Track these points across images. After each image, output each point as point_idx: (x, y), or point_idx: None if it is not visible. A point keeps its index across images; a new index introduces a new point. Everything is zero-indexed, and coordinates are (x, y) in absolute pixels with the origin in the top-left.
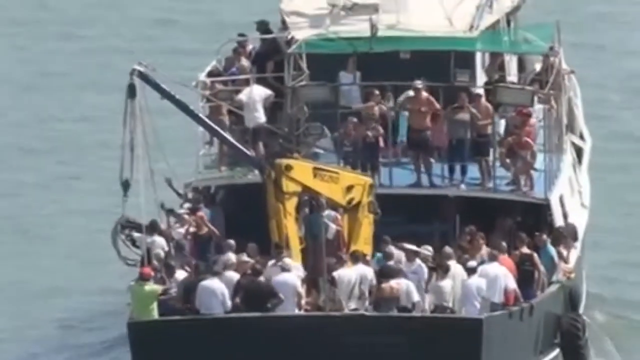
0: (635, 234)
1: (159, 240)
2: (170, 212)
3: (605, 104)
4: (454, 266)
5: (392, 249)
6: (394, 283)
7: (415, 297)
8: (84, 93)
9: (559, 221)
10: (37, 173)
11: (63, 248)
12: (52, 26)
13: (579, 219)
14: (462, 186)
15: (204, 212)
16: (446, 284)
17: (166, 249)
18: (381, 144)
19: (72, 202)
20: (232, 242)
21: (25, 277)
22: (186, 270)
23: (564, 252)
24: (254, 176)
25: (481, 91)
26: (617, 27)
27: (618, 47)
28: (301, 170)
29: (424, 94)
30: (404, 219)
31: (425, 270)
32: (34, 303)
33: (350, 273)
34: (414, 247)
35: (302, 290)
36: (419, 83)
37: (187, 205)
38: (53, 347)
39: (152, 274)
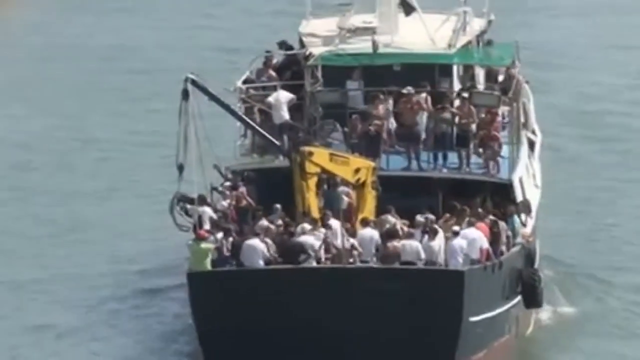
0: (576, 209)
1: (208, 210)
2: (214, 189)
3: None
4: (441, 231)
5: (389, 217)
6: (395, 243)
7: (422, 254)
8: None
9: (519, 197)
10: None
11: (132, 217)
12: None
13: (534, 196)
14: (444, 170)
15: (242, 189)
16: (435, 244)
17: (214, 217)
18: (384, 136)
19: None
20: (278, 206)
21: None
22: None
23: (524, 220)
24: (279, 162)
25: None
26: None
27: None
28: (320, 156)
29: (414, 97)
30: (399, 195)
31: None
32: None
33: (366, 233)
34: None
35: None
36: (409, 89)
37: (228, 183)
38: (123, 288)
39: (207, 235)
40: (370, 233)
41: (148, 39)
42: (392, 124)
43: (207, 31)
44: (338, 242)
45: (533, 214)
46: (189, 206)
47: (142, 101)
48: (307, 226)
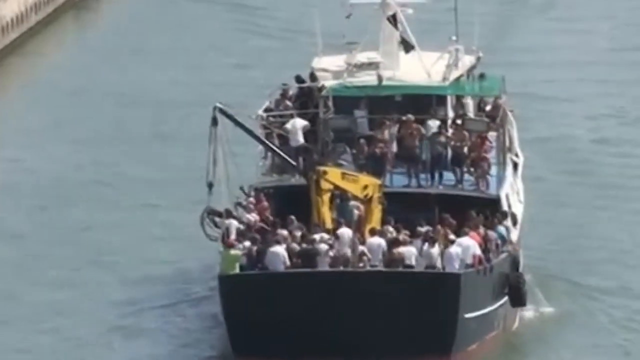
0: (554, 223)
1: (234, 222)
2: (238, 204)
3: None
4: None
5: (389, 227)
6: (400, 249)
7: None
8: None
9: (506, 210)
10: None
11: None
12: None
13: (518, 210)
14: (440, 187)
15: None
16: (434, 250)
17: (241, 228)
18: (388, 157)
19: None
20: (293, 217)
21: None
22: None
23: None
24: (295, 180)
25: (459, 121)
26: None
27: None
28: (333, 174)
29: (413, 124)
30: (400, 208)
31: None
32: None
33: (374, 241)
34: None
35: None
36: (409, 116)
37: (251, 199)
38: (165, 287)
39: (235, 243)
40: (378, 241)
41: (175, 78)
42: (394, 147)
43: (228, 67)
44: (346, 249)
45: (518, 225)
46: (217, 219)
47: (167, 139)
48: (325, 236)
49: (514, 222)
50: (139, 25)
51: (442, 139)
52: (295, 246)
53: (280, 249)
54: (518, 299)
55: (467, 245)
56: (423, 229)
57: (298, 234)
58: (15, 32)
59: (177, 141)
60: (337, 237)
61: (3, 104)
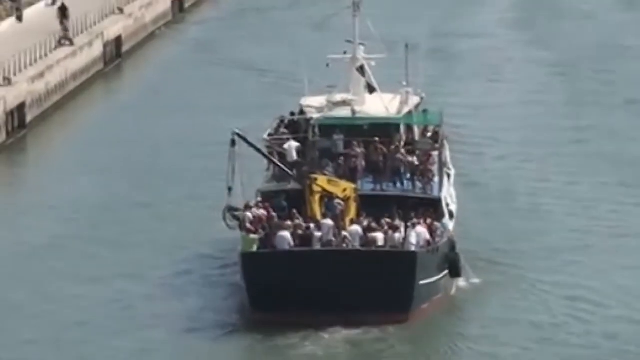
0: (480, 217)
1: (249, 214)
2: (247, 206)
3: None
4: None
5: (361, 219)
6: (372, 234)
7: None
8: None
9: (446, 208)
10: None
11: (194, 222)
12: None
13: (453, 208)
14: (398, 190)
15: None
16: (397, 236)
17: (252, 219)
18: (359, 168)
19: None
20: (295, 211)
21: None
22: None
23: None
24: (291, 186)
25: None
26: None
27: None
28: (322, 180)
29: (382, 145)
30: (370, 205)
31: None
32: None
33: (353, 228)
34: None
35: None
36: (375, 139)
37: (259, 199)
38: (189, 265)
39: (252, 229)
40: (356, 228)
41: (191, 123)
42: (363, 161)
43: (239, 107)
44: (330, 235)
45: (453, 219)
46: (237, 213)
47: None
48: (316, 227)
49: (451, 216)
50: (154, 87)
51: (399, 155)
52: (297, 232)
53: (286, 234)
54: (455, 272)
55: (419, 232)
56: (385, 221)
57: (299, 223)
58: (58, 94)
59: (193, 169)
60: (320, 225)
61: (49, 151)
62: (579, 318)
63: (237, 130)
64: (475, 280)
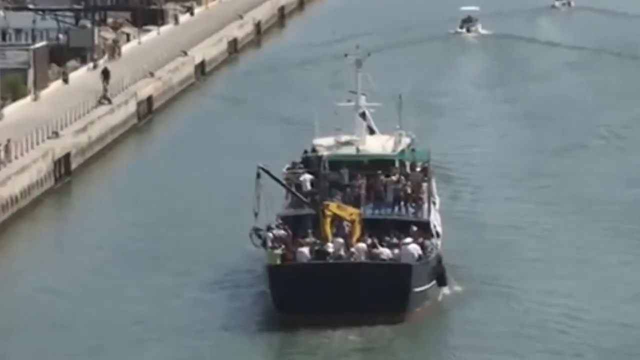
0: (461, 238)
1: (270, 235)
2: (269, 227)
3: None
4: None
5: (366, 238)
6: (376, 250)
7: (415, 255)
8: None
9: (433, 229)
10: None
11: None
12: None
13: (439, 229)
14: (394, 214)
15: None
16: (396, 252)
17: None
18: (362, 197)
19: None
20: (310, 231)
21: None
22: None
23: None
24: (306, 211)
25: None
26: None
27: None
28: (332, 206)
29: (381, 177)
30: (371, 227)
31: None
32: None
33: (360, 245)
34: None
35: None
36: (378, 172)
37: (280, 222)
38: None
39: (276, 246)
40: (362, 245)
41: (220, 170)
42: (365, 190)
43: (259, 148)
44: (341, 251)
45: (440, 238)
46: (261, 233)
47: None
48: (329, 244)
49: (438, 236)
50: (181, 138)
51: (400, 186)
52: (313, 248)
53: (305, 250)
54: (442, 282)
55: (413, 248)
56: (386, 239)
57: (314, 240)
58: (98, 145)
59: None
60: (332, 242)
61: (91, 194)
62: (547, 319)
63: (261, 165)
64: (458, 289)
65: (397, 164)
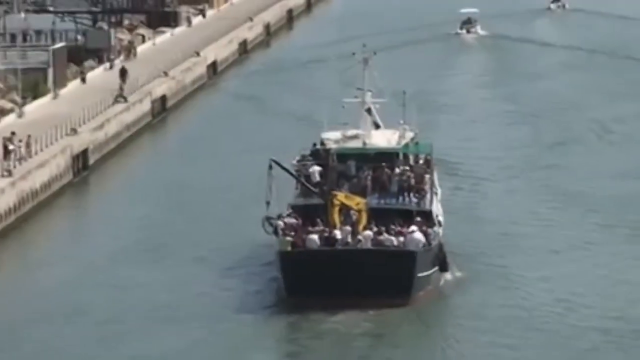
0: (461, 227)
1: (281, 222)
2: (280, 215)
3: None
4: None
5: (372, 226)
6: (382, 237)
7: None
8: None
9: (435, 218)
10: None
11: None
12: None
13: (441, 218)
14: (399, 205)
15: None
16: (400, 239)
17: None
18: (368, 187)
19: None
20: (318, 220)
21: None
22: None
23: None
24: (315, 201)
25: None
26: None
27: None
28: (340, 196)
29: (386, 169)
30: (377, 216)
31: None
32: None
33: (366, 233)
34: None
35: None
36: (383, 164)
37: (290, 211)
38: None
39: (287, 233)
40: (368, 233)
41: (232, 165)
42: (370, 181)
43: (272, 146)
44: (349, 238)
45: (442, 227)
46: (272, 221)
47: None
48: (337, 231)
49: (439, 224)
50: (193, 135)
51: (404, 177)
52: (323, 235)
53: (314, 237)
54: (444, 267)
55: (417, 236)
56: (391, 227)
57: (323, 229)
58: (115, 142)
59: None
60: (340, 230)
61: (107, 187)
62: (544, 303)
63: (273, 158)
64: (459, 274)
65: (401, 156)
